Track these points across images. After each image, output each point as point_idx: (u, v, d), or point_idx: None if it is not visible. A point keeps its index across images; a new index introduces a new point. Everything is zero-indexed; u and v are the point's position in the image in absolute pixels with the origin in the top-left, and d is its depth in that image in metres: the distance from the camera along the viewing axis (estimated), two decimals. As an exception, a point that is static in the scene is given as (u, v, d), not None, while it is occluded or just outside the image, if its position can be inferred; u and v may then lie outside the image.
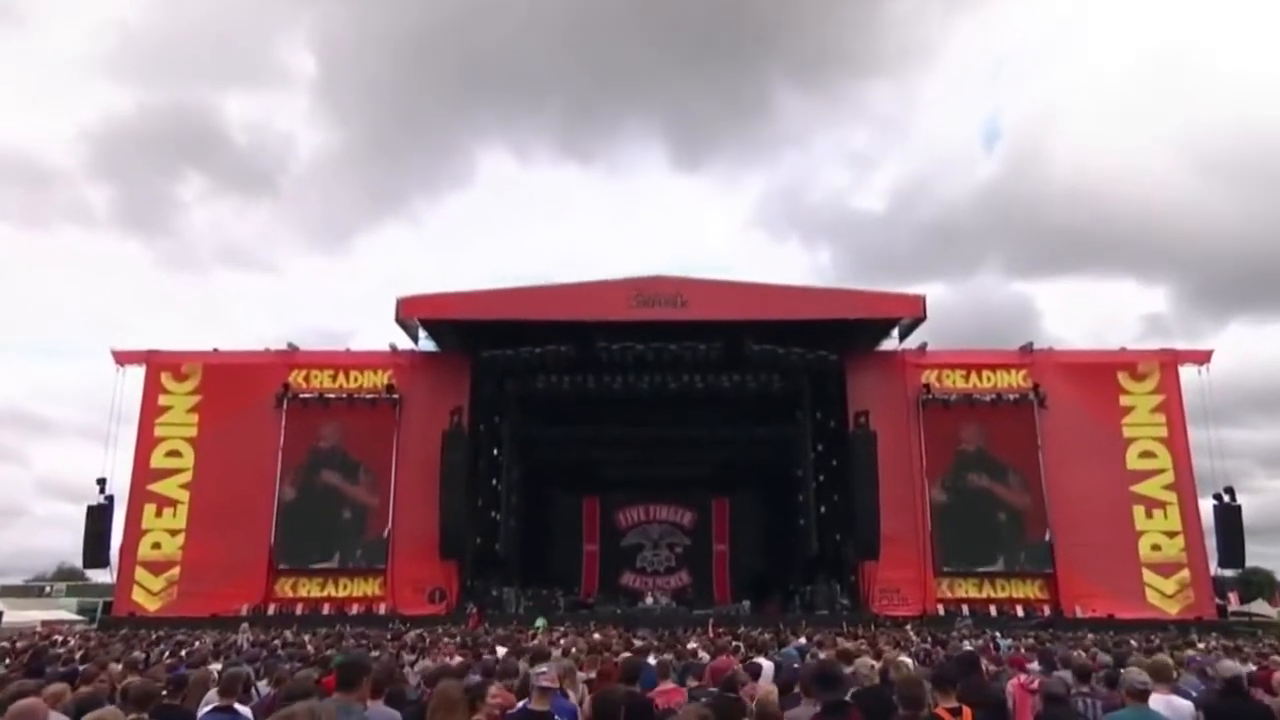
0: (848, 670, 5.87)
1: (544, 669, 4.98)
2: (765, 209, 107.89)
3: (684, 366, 26.35)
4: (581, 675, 6.85)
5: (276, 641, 13.03)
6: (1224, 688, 4.86)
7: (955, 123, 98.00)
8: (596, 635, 13.93)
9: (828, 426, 28.46)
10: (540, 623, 20.69)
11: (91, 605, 31.85)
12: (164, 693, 5.57)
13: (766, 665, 8.03)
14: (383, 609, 25.28)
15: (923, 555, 26.02)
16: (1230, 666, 5.26)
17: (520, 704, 4.92)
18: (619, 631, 16.59)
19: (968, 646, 10.30)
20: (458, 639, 14.43)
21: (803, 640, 12.22)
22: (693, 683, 6.63)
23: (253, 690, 6.99)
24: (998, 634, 16.23)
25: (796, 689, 5.28)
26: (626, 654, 8.11)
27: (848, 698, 4.38)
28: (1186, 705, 4.96)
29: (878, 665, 6.71)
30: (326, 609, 25.19)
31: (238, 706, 5.27)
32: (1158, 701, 4.90)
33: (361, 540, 26.47)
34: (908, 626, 20.33)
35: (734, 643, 11.70)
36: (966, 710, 4.51)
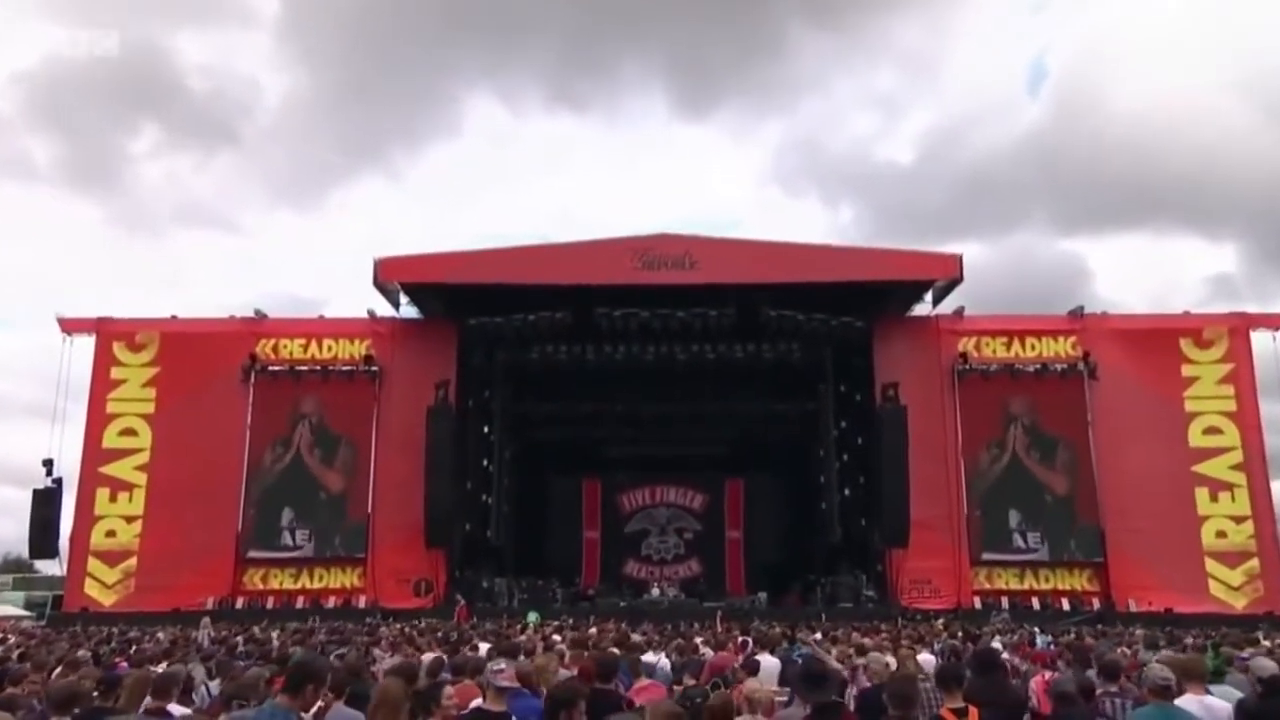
0: (860, 663, 5.88)
1: (500, 665, 4.98)
2: (781, 161, 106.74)
3: (693, 335, 26.32)
4: (565, 673, 6.93)
5: (239, 638, 13.13)
6: (1264, 689, 4.87)
7: (994, 63, 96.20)
8: (593, 630, 14.00)
9: (853, 400, 28.43)
10: (533, 616, 20.90)
11: (41, 600, 32.20)
12: (95, 694, 5.54)
13: (769, 662, 8.11)
14: (363, 602, 25.53)
15: (957, 543, 26.05)
16: (1266, 665, 5.25)
17: (473, 703, 4.96)
18: (620, 626, 16.74)
19: (997, 643, 10.29)
20: (440, 634, 14.61)
21: (818, 635, 12.25)
22: (689, 681, 6.89)
23: (200, 691, 7.07)
24: (1036, 629, 16.23)
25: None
26: (615, 650, 8.08)
27: (852, 696, 4.31)
28: (1223, 707, 4.96)
29: (893, 663, 6.77)
30: (300, 602, 25.41)
31: (173, 709, 5.26)
32: (1190, 702, 4.90)
33: (339, 526, 26.69)
34: (938, 621, 20.38)
35: (741, 638, 11.87)
36: (973, 710, 4.57)
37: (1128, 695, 5.48)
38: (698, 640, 12.40)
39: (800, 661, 7.54)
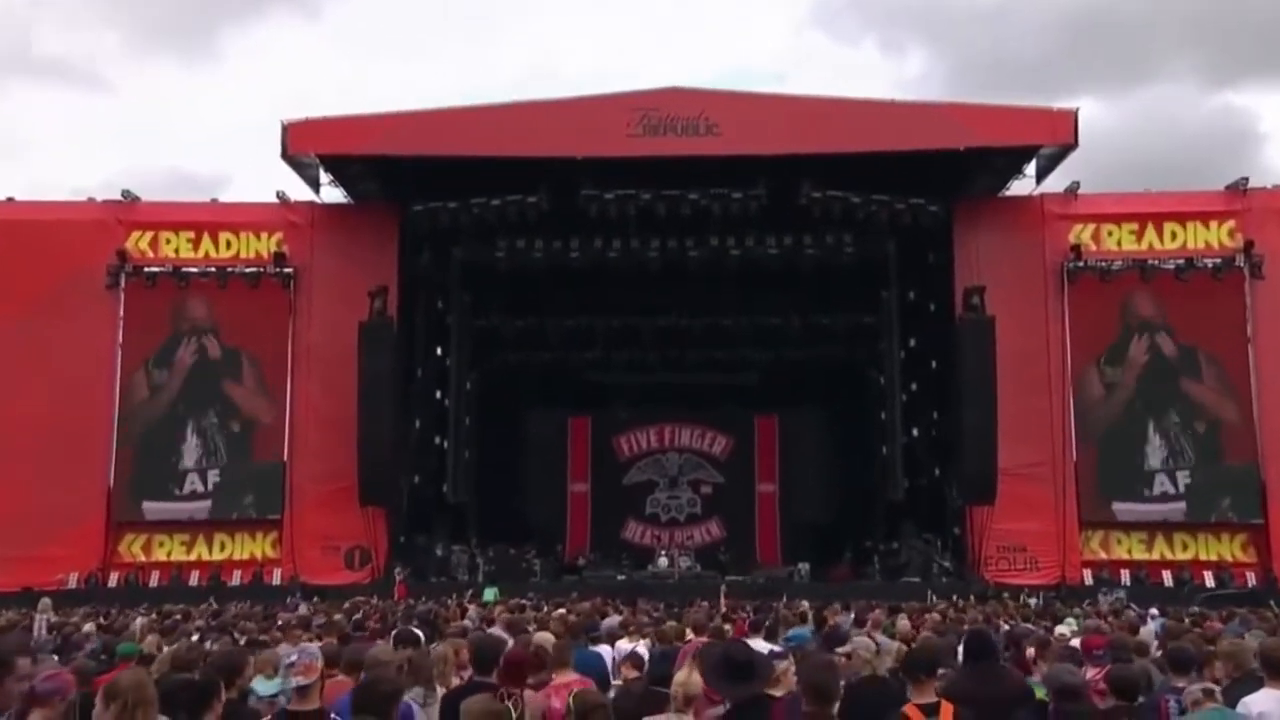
0: (842, 651, 6.44)
1: (293, 655, 5.10)
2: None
3: (711, 224, 26.12)
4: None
5: (89, 626, 13.25)
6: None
7: None
8: (561, 611, 14.14)
9: (924, 311, 28.24)
10: (490, 593, 21.18)
11: None
12: None
13: (758, 650, 8.08)
14: (278, 577, 25.93)
15: (1061, 498, 26.09)
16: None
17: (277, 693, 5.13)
18: (610, 604, 16.96)
19: (1066, 629, 10.31)
20: (361, 615, 14.68)
21: (852, 616, 12.24)
22: (632, 673, 7.25)
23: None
24: (1153, 611, 16.13)
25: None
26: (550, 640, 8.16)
27: (816, 689, 4.50)
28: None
29: (895, 647, 7.14)
30: (195, 578, 25.78)
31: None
32: (1271, 698, 5.04)
33: (246, 480, 27.00)
34: (1032, 600, 20.39)
35: (747, 616, 12.13)
36: (947, 707, 4.90)
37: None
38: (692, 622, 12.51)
39: (721, 651, 7.72)
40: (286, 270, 27.24)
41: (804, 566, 27.35)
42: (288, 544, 26.46)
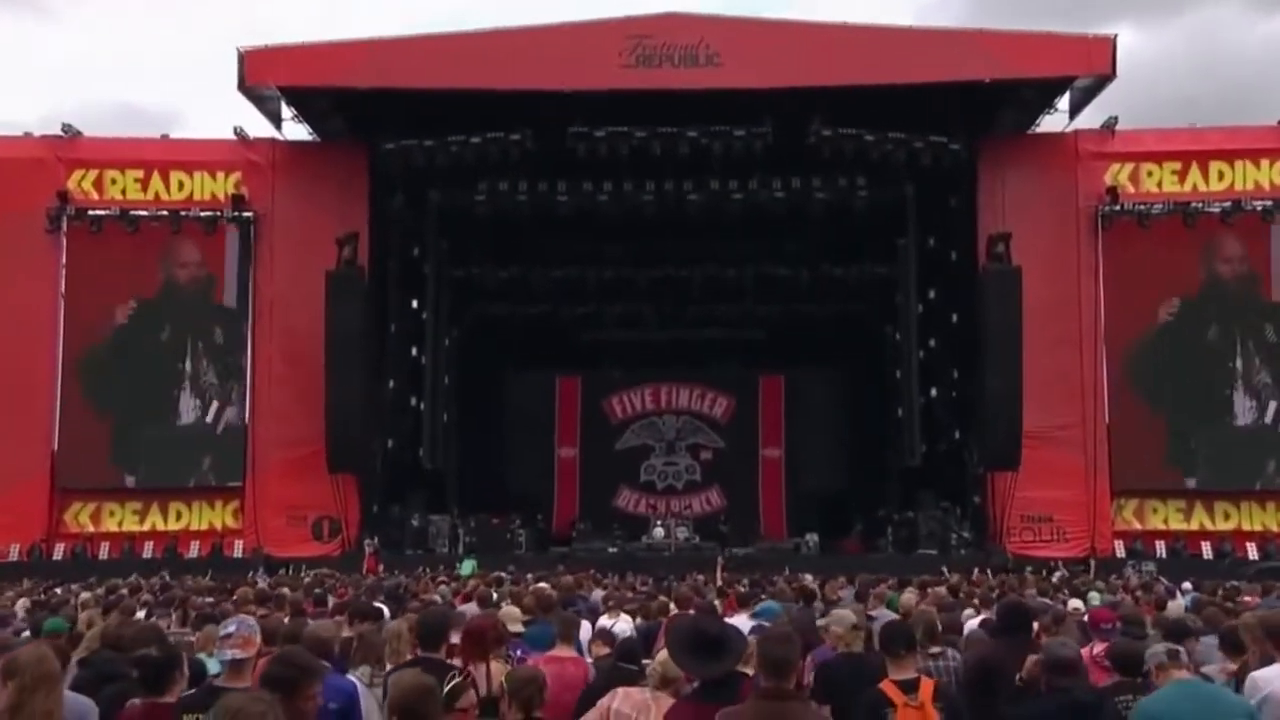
0: (821, 624, 6.64)
1: (230, 627, 5.12)
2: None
3: (713, 166, 26.08)
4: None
5: (23, 602, 13.22)
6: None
7: None
8: (542, 585, 14.18)
9: (945, 260, 28.17)
10: (467, 566, 21.36)
11: None
12: None
13: (742, 626, 8.11)
14: (240, 549, 26.06)
15: (1093, 464, 26.21)
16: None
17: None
18: (595, 578, 17.16)
19: (1080, 603, 10.39)
20: (326, 588, 14.73)
21: (854, 590, 12.29)
22: (601, 650, 7.41)
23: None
24: (1187, 585, 16.19)
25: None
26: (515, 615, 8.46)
27: (771, 662, 4.50)
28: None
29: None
30: (149, 550, 25.91)
31: None
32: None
33: (203, 443, 27.05)
34: (1056, 574, 20.42)
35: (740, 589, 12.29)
36: (927, 683, 5.07)
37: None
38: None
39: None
40: (245, 214, 27.15)
41: (811, 538, 27.48)
42: (250, 514, 26.57)
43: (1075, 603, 10.35)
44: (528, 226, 27.87)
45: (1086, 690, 5.38)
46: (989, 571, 20.30)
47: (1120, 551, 25.55)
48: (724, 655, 4.77)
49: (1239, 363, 27.07)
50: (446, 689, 4.92)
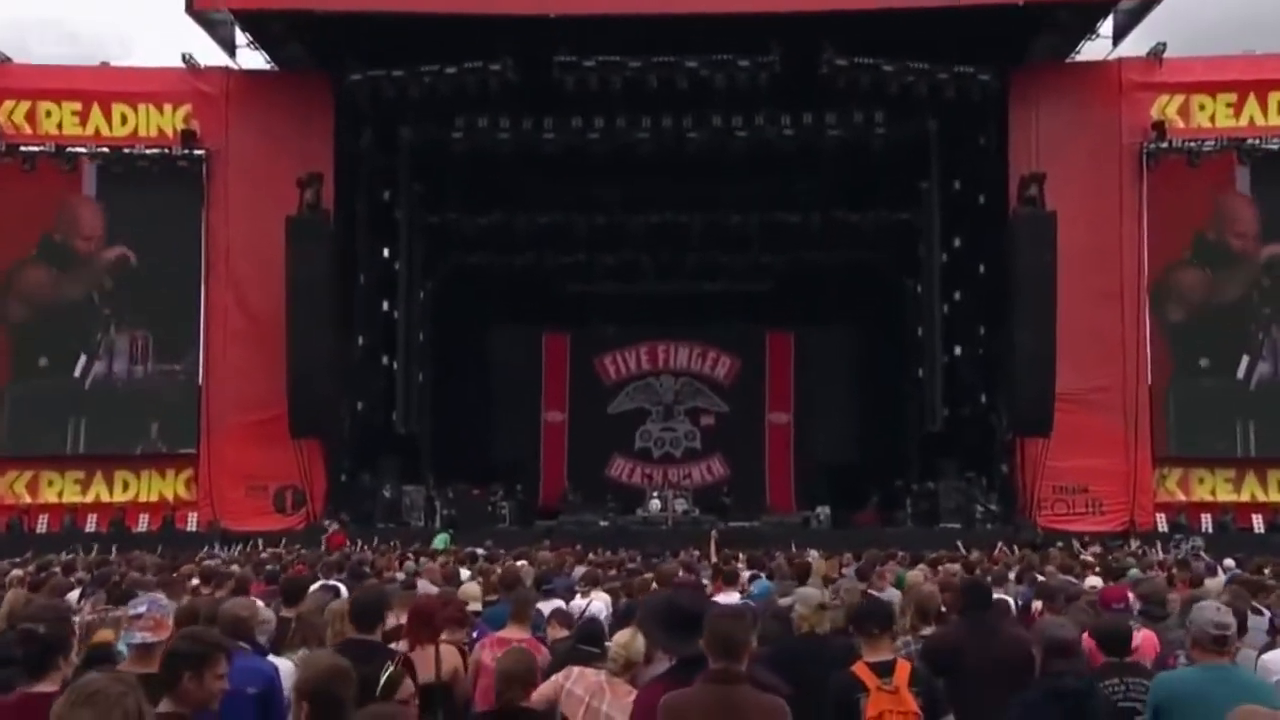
0: (784, 603, 6.83)
1: (140, 607, 5.09)
2: None
3: (714, 99, 26.01)
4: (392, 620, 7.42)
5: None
6: None
7: None
8: (522, 563, 14.28)
9: (971, 204, 28.14)
10: (442, 539, 21.47)
11: None
12: None
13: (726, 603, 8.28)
14: (194, 522, 26.18)
15: (1133, 429, 26.21)
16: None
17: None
18: (579, 553, 17.45)
19: (1099, 581, 10.39)
20: (285, 562, 14.81)
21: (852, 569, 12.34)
22: (559, 633, 7.51)
23: None
24: (1230, 562, 16.18)
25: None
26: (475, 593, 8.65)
27: (720, 641, 4.59)
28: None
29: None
30: (92, 523, 25.98)
31: None
32: None
33: (152, 406, 27.03)
34: (1088, 550, 20.42)
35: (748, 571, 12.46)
36: (903, 665, 5.23)
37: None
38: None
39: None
40: (196, 152, 26.93)
41: (822, 511, 27.55)
42: (204, 483, 26.62)
43: (1094, 580, 10.33)
44: (510, 167, 27.79)
45: (1079, 674, 5.41)
46: (1015, 547, 20.41)
47: (1162, 525, 25.55)
48: (698, 633, 4.78)
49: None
50: (383, 679, 4.92)
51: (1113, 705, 5.40)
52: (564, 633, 7.36)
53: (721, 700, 4.31)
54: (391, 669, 5.06)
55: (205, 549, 21.68)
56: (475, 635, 7.36)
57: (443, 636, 6.81)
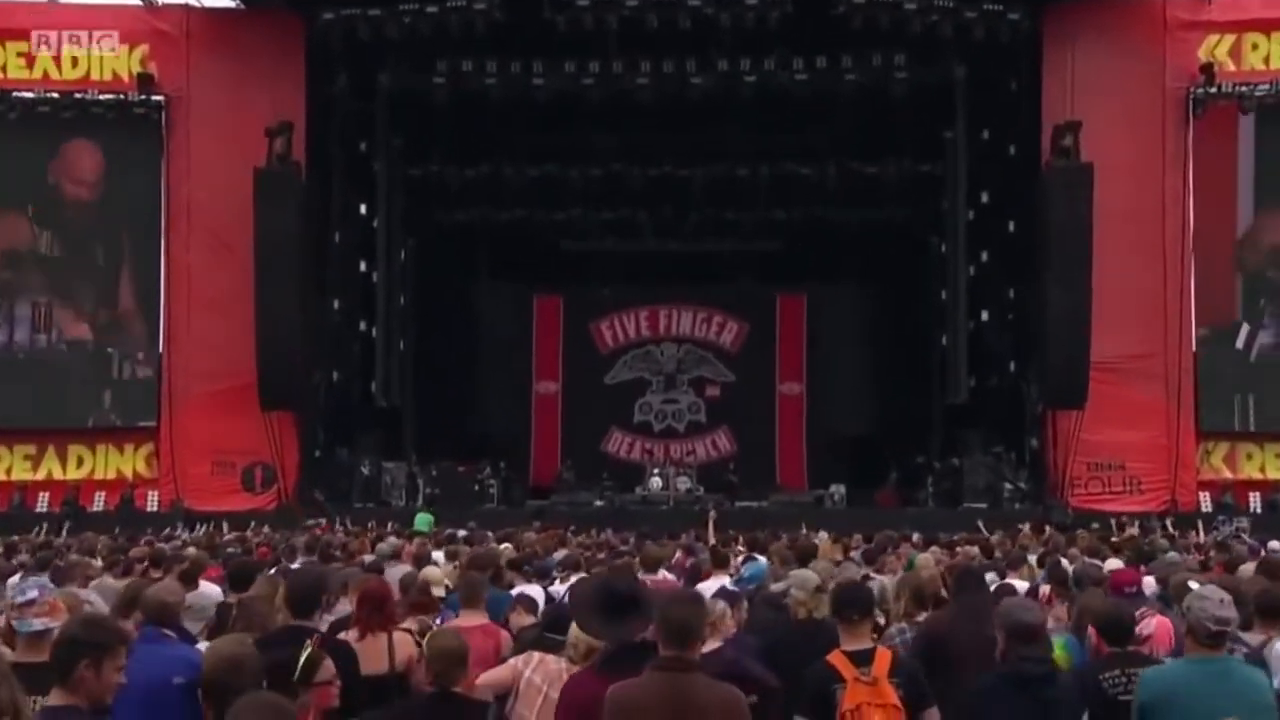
0: (778, 588, 6.87)
1: (31, 593, 5.06)
2: None
3: (720, 42, 26.00)
4: (343, 608, 7.59)
5: None
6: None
7: None
8: (506, 546, 14.33)
9: (1001, 156, 28.11)
10: (423, 520, 21.36)
11: None
12: None
13: (708, 589, 8.45)
14: (155, 502, 26.26)
15: (1176, 401, 26.18)
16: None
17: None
18: (559, 536, 17.08)
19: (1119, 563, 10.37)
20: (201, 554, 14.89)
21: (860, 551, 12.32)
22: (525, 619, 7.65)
23: None
24: (1274, 544, 16.14)
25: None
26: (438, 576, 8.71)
27: (672, 628, 4.55)
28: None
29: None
30: (42, 503, 25.99)
31: None
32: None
33: (108, 375, 27.10)
34: (1127, 528, 20.37)
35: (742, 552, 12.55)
36: (883, 654, 5.30)
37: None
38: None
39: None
40: (155, 98, 26.85)
41: (837, 490, 27.60)
42: (166, 459, 26.70)
43: (1115, 563, 10.31)
44: (497, 116, 27.80)
45: (1041, 660, 5.43)
46: (1045, 529, 20.36)
47: (1206, 505, 25.60)
48: (635, 617, 4.81)
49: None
50: (301, 661, 4.89)
51: (1111, 699, 5.37)
52: (530, 619, 7.40)
53: (673, 691, 4.26)
54: (310, 650, 4.98)
55: (166, 530, 21.75)
56: (439, 622, 7.34)
57: (405, 624, 6.86)
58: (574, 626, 5.65)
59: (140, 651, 5.13)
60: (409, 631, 6.75)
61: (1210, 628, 5.02)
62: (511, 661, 5.76)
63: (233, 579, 8.48)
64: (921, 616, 6.61)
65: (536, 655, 5.72)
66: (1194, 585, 5.91)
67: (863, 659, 5.24)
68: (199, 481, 26.35)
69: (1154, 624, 6.88)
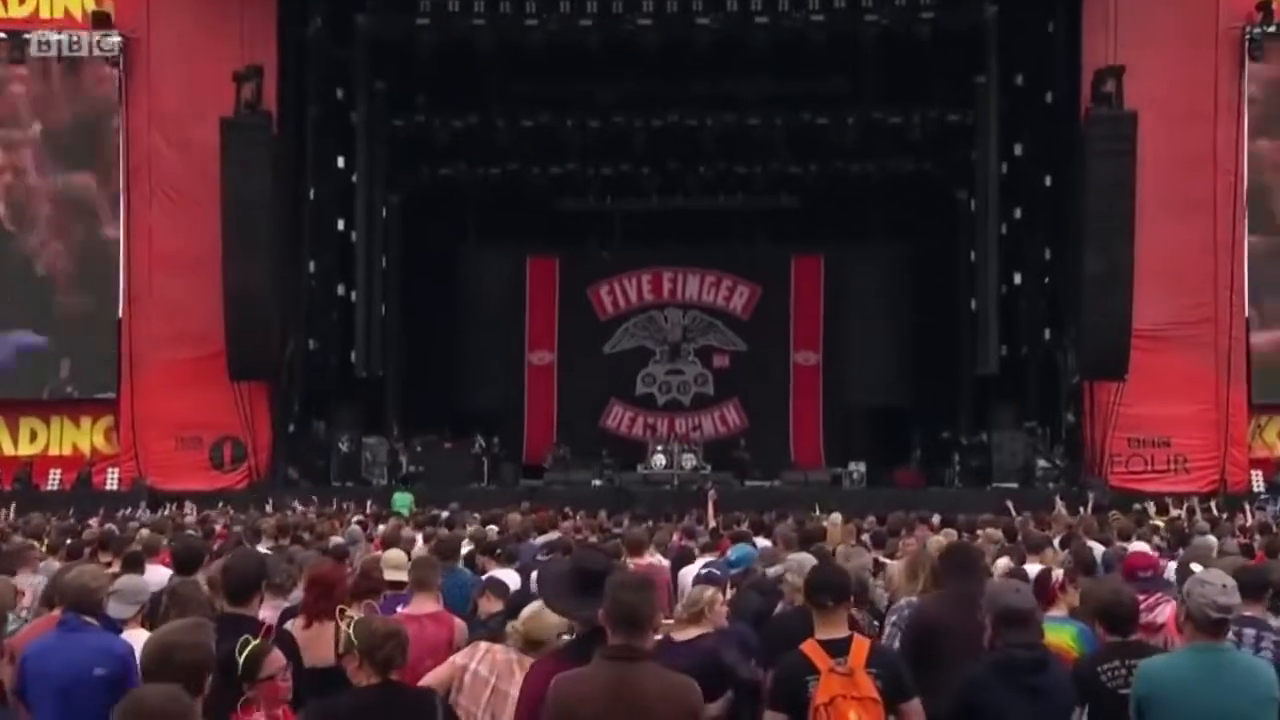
0: (769, 573, 7.09)
1: None
2: None
3: None
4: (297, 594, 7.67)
5: None
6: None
7: None
8: (491, 528, 14.37)
9: (1037, 104, 28.12)
10: (403, 500, 21.62)
11: None
12: None
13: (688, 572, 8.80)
14: (115, 480, 26.36)
15: (1226, 372, 26.11)
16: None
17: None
18: (549, 519, 17.07)
19: (1144, 546, 10.36)
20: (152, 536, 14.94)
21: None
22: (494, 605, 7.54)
23: None
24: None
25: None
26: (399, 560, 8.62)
27: (621, 614, 4.58)
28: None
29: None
30: (-9, 482, 26.21)
31: None
32: None
33: (64, 342, 27.17)
34: (1175, 512, 20.31)
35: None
36: (860, 643, 5.32)
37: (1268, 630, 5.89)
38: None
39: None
40: (112, 39, 26.72)
41: (857, 468, 27.78)
42: (127, 434, 26.80)
43: (1138, 545, 10.28)
44: (487, 61, 27.78)
45: (1032, 646, 5.45)
46: (1080, 510, 20.32)
47: (1258, 485, 25.59)
48: (597, 597, 4.80)
49: None
50: (244, 656, 4.84)
51: (1110, 692, 5.37)
52: (499, 605, 7.34)
53: (619, 681, 4.27)
54: (253, 643, 4.93)
55: (122, 511, 21.75)
56: (379, 610, 7.29)
57: (350, 611, 6.78)
58: (522, 613, 5.73)
59: (59, 640, 5.33)
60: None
61: (1212, 615, 5.01)
62: (453, 659, 5.79)
63: (178, 563, 8.46)
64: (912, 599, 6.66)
65: (484, 645, 5.75)
66: (1196, 569, 6.02)
67: (839, 648, 5.21)
68: (163, 458, 26.41)
69: (1168, 611, 6.89)
